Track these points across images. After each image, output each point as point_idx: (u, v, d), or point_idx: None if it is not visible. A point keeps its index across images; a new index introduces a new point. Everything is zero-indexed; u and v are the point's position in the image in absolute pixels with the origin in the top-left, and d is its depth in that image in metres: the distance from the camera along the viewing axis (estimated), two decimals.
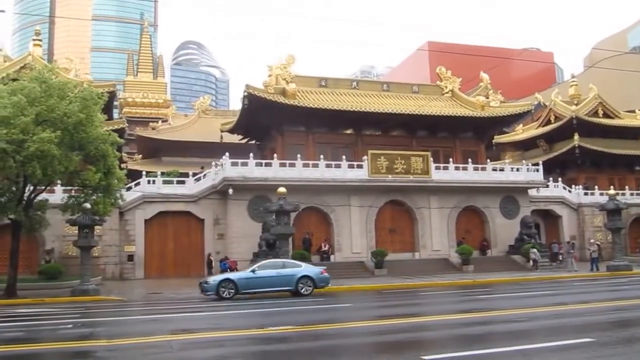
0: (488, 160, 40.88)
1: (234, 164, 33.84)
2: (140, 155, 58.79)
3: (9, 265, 24.77)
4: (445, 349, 9.73)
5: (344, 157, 35.99)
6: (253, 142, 44.87)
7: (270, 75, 38.75)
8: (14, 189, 24.33)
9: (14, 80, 25.93)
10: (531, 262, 34.59)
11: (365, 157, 35.62)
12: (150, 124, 64.14)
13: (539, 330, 11.77)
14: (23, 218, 24.29)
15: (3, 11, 24.45)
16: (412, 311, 16.88)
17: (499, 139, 52.09)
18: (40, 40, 45.10)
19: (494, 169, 39.80)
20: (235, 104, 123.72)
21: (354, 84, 44.43)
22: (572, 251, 35.27)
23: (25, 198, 24.69)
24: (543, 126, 53.29)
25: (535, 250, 34.76)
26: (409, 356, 9.23)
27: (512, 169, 40.51)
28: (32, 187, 24.87)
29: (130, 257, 34.41)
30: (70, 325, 14.56)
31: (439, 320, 13.83)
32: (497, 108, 42.69)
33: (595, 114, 51.36)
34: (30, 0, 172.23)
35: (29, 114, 22.20)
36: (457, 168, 38.08)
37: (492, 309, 15.96)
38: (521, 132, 54.76)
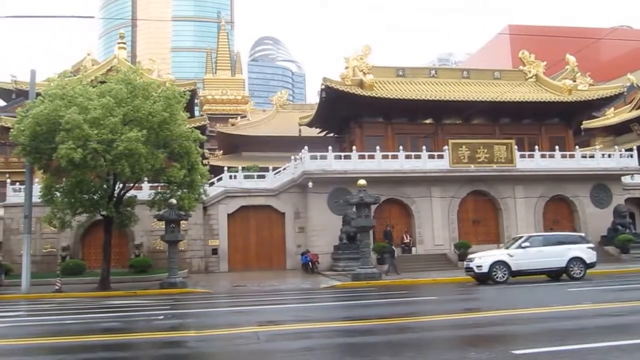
0: (576, 147, 39.05)
1: (313, 158, 33.94)
2: (221, 151, 60.13)
3: (103, 259, 26.01)
4: (537, 344, 9.29)
5: (424, 147, 35.34)
6: (331, 135, 44.89)
7: (347, 67, 38.55)
8: (105, 186, 25.46)
9: (102, 82, 27.08)
10: None
11: (446, 147, 34.87)
12: (230, 120, 65.48)
13: (639, 325, 11.05)
14: (114, 214, 25.40)
15: (92, 17, 25.62)
16: (499, 304, 16.31)
17: (588, 124, 49.56)
18: (124, 43, 47.03)
19: (583, 156, 37.94)
20: (312, 97, 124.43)
21: (432, 72, 43.46)
22: None
23: (115, 195, 25.80)
24: (637, 109, 50.13)
25: None
26: (499, 350, 8.89)
27: (603, 155, 38.47)
28: (121, 185, 25.94)
29: (215, 251, 35.31)
30: (161, 317, 15.04)
31: (528, 313, 13.27)
32: (585, 92, 40.59)
33: None
34: (113, 5, 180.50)
35: (117, 114, 23.13)
36: (543, 156, 36.57)
37: (585, 302, 15.15)
38: (612, 116, 51.78)
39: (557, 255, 22.19)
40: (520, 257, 21.99)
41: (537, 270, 22.32)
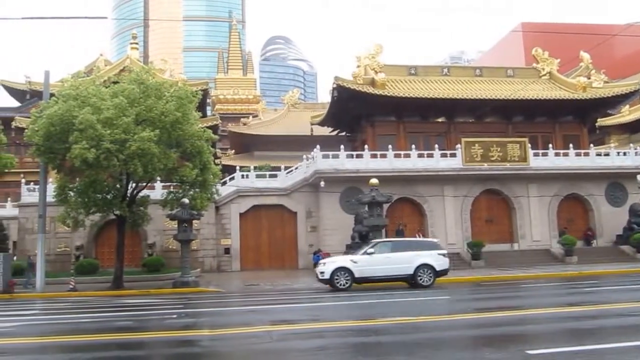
0: (591, 145, 38.69)
1: (325, 157, 33.91)
2: (233, 151, 60.26)
3: (116, 259, 26.15)
4: (553, 344, 9.19)
5: (436, 146, 35.23)
6: (343, 134, 44.85)
7: (358, 66, 38.46)
8: (118, 186, 25.60)
9: (115, 83, 27.17)
10: None
11: (458, 146, 34.69)
12: (242, 119, 65.59)
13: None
14: (127, 213, 25.52)
15: (105, 17, 25.76)
16: (514, 304, 16.21)
17: (602, 121, 49.06)
18: (136, 43, 47.23)
19: (598, 154, 37.62)
20: (324, 96, 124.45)
21: (445, 70, 43.30)
22: None
23: (128, 195, 25.91)
24: None
25: None
26: (514, 350, 8.79)
27: (618, 153, 38.11)
28: (134, 184, 26.05)
29: (227, 250, 35.39)
30: (174, 316, 15.08)
31: (543, 313, 13.16)
32: (600, 89, 40.21)
33: None
34: (126, 6, 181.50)
35: (130, 114, 23.21)
36: (557, 154, 36.30)
37: (602, 302, 15.00)
38: (628, 114, 51.16)
39: (404, 262, 21.14)
40: (364, 263, 21.12)
41: (383, 277, 21.28)
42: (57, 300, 21.60)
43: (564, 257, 32.99)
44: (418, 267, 21.26)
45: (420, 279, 21.22)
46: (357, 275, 21.09)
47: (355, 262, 21.28)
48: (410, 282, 21.47)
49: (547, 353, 8.26)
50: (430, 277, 21.32)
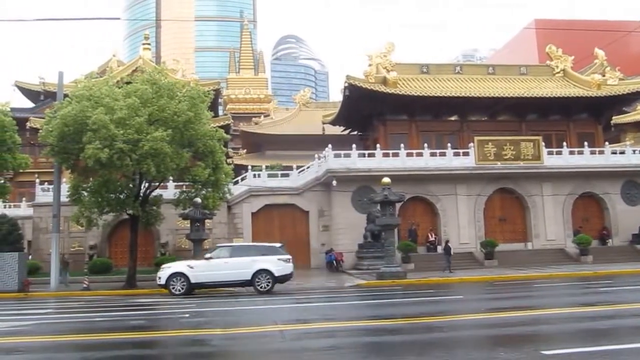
0: (606, 143, 38.24)
1: (336, 156, 33.84)
2: (245, 150, 60.43)
3: (129, 258, 26.28)
4: (568, 344, 9.15)
5: (449, 144, 34.96)
6: (355, 133, 44.74)
7: (370, 65, 38.30)
8: (131, 186, 25.71)
9: (128, 83, 27.31)
10: None
11: (471, 144, 34.45)
12: (253, 119, 65.84)
13: None
14: (140, 213, 25.64)
15: (117, 18, 25.98)
16: (528, 304, 16.11)
17: (618, 119, 48.50)
18: (149, 43, 47.50)
19: (614, 152, 37.12)
20: (335, 95, 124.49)
21: (457, 68, 43.07)
22: None
23: (141, 194, 26.04)
24: None
25: None
26: (528, 350, 8.71)
27: (634, 151, 37.54)
28: (147, 184, 26.17)
29: None
30: (187, 315, 15.11)
31: (557, 313, 13.07)
32: (615, 86, 39.76)
33: None
34: (138, 7, 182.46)
35: (143, 114, 23.32)
36: (571, 152, 35.91)
37: (617, 302, 14.90)
38: None
39: (242, 267, 20.96)
40: (202, 268, 20.98)
41: (221, 282, 21.31)
42: (71, 299, 21.74)
43: (579, 257, 32.70)
44: (256, 273, 21.08)
45: (258, 285, 21.04)
46: (193, 280, 21.01)
47: (191, 268, 21.22)
48: (256, 287, 21.17)
49: (563, 353, 8.19)
50: (269, 282, 21.12)
